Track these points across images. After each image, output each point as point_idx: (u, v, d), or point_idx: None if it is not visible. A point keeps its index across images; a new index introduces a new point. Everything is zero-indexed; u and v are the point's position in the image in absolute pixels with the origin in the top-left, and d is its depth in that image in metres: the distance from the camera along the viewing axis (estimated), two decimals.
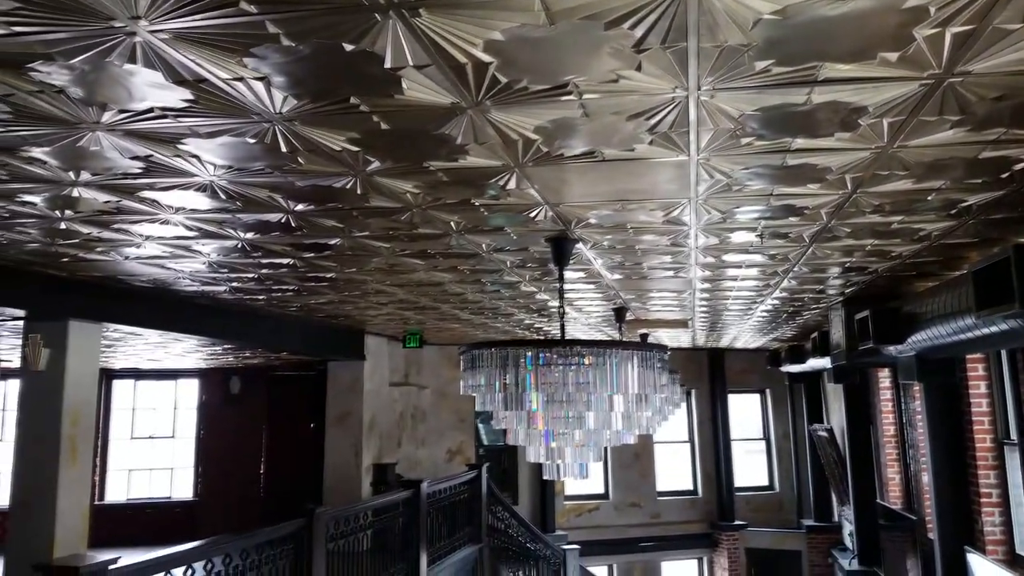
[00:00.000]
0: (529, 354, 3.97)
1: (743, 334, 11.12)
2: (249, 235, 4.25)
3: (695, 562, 14.68)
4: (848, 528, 11.86)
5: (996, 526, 6.33)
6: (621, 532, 13.70)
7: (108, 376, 12.42)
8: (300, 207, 3.64)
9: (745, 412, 15.15)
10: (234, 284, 6.02)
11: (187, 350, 9.60)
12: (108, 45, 1.97)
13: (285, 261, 5.06)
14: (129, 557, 4.18)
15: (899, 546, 8.70)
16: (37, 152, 2.83)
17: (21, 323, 7.35)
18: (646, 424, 4.25)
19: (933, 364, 5.58)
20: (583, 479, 4.29)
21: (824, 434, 11.71)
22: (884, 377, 9.46)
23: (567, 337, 6.59)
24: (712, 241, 4.38)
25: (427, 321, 9.05)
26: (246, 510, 11.65)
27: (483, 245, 4.57)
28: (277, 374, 12.33)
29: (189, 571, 4.68)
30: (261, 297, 6.75)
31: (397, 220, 3.90)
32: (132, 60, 2.05)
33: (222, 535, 5.32)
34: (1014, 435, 6.21)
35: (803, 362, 10.49)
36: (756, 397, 15.20)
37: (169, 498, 12.39)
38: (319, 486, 10.33)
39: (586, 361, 3.92)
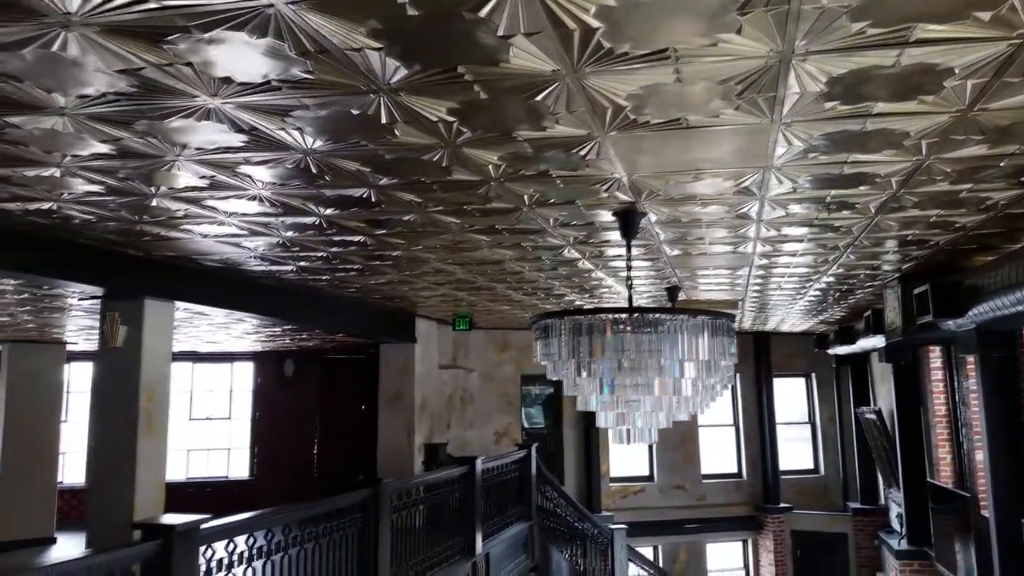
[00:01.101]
0: (601, 321, 4.10)
1: (790, 316, 11.13)
2: (329, 211, 4.43)
3: (740, 544, 14.74)
4: (895, 510, 11.83)
5: None
6: (666, 514, 13.80)
7: None
8: (384, 181, 3.79)
9: (790, 396, 15.12)
10: (301, 263, 6.23)
11: (246, 331, 9.88)
12: (246, 18, 2.12)
13: (356, 239, 5.24)
14: None
15: (951, 524, 8.69)
16: (148, 126, 3.01)
17: (90, 303, 7.67)
18: (711, 391, 4.37)
19: (993, 337, 5.59)
20: (652, 443, 4.42)
21: (872, 416, 11.68)
22: (935, 357, 9.43)
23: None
24: (778, 213, 4.46)
25: (479, 303, 9.21)
26: (300, 489, 11.96)
27: (551, 220, 4.70)
28: (329, 357, 12.63)
29: (269, 535, 4.91)
30: (325, 277, 6.96)
31: (473, 194, 4.05)
32: (263, 33, 2.21)
33: (299, 503, 5.55)
34: None
35: (853, 343, 10.49)
36: (801, 381, 15.17)
37: (226, 477, 12.79)
38: (371, 466, 10.58)
39: (657, 328, 4.05)
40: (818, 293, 8.27)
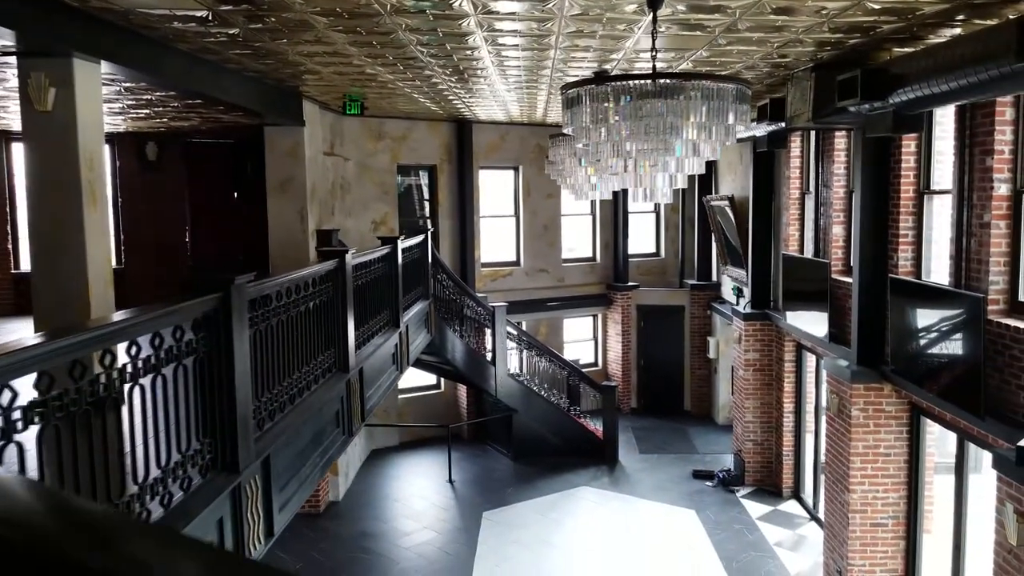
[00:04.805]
0: (629, 87, 4.37)
1: None
2: None
3: (591, 318, 16.38)
4: (730, 284, 13.64)
5: (908, 260, 7.77)
6: (530, 294, 14.91)
7: (6, 138, 11.33)
8: None
9: None
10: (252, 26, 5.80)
11: (133, 105, 8.98)
12: None
13: None
14: None
15: (797, 288, 10.27)
16: None
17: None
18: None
19: (907, 120, 6.50)
20: (667, 202, 4.92)
21: (722, 203, 13.06)
22: (796, 146, 10.67)
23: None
24: None
25: (389, 83, 8.98)
26: (175, 277, 11.52)
27: None
28: (194, 141, 11.75)
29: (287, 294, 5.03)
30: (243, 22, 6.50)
31: None
32: None
33: (295, 269, 5.61)
34: (938, 185, 7.51)
35: None
36: None
37: None
38: (258, 252, 10.39)
39: (682, 95, 4.39)
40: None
